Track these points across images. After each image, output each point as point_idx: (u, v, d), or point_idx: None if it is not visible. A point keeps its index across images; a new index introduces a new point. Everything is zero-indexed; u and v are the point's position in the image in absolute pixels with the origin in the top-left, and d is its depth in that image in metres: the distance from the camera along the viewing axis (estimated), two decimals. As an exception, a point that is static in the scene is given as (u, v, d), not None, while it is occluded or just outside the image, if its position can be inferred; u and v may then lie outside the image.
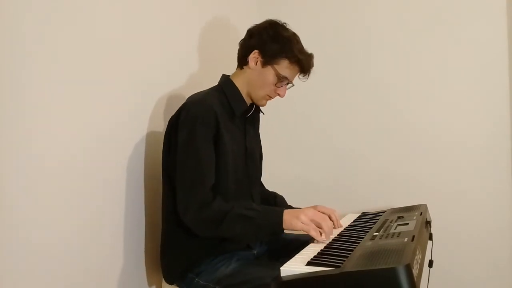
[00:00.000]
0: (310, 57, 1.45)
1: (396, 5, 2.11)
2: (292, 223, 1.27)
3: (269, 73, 1.42)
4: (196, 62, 1.80)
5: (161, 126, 1.58)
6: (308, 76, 1.47)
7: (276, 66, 1.41)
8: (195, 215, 1.28)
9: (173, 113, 1.42)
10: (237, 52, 1.49)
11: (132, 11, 1.43)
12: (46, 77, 1.10)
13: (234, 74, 1.51)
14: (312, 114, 2.23)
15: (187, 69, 1.75)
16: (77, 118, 1.20)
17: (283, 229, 1.29)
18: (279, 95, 1.46)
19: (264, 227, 1.29)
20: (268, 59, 1.41)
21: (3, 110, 0.99)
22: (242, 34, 1.49)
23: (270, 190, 1.72)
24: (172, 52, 1.65)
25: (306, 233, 1.28)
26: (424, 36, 2.06)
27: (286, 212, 1.29)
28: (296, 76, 1.48)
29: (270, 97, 1.48)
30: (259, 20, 1.49)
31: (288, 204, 1.68)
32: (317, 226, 1.27)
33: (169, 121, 1.41)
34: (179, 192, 1.32)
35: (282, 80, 1.43)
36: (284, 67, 1.41)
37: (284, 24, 1.46)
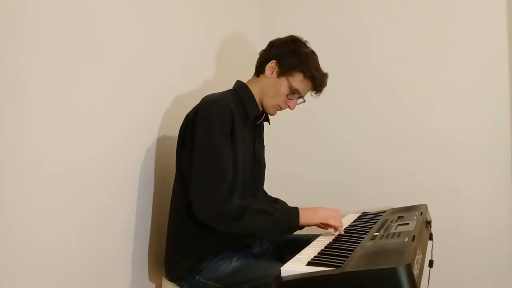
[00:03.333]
0: (324, 76, 1.48)
1: (397, 6, 2.11)
2: (312, 217, 1.36)
3: (283, 84, 1.45)
4: (205, 65, 1.82)
5: (172, 129, 1.58)
6: (319, 94, 1.50)
7: (290, 78, 1.44)
8: (215, 210, 1.29)
9: (183, 116, 1.43)
10: (256, 60, 1.53)
11: (145, 15, 1.45)
12: (55, 78, 1.10)
13: (250, 81, 1.53)
14: (313, 115, 2.23)
15: (198, 72, 1.78)
16: (87, 120, 1.21)
17: (299, 225, 1.35)
18: (289, 107, 1.49)
19: (282, 223, 1.34)
20: (283, 70, 1.44)
21: (11, 112, 0.99)
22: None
23: (272, 195, 1.72)
24: (183, 56, 1.67)
25: (322, 227, 1.39)
26: (424, 37, 2.06)
27: (302, 209, 1.36)
28: (308, 93, 1.51)
29: (281, 108, 1.50)
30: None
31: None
32: (327, 224, 1.37)
33: (185, 119, 1.42)
34: (196, 188, 1.32)
35: (294, 93, 1.46)
36: (298, 80, 1.44)
37: (305, 42, 1.49)
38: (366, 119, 2.16)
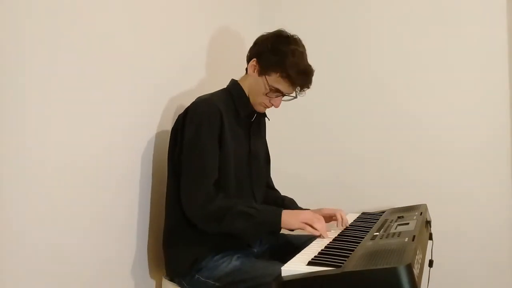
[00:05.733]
0: (305, 74, 1.41)
1: (397, 6, 2.11)
2: (291, 222, 1.33)
3: (262, 83, 1.43)
4: (204, 63, 1.83)
5: (170, 126, 1.59)
6: (304, 92, 1.45)
7: (267, 77, 1.42)
8: (199, 209, 1.31)
9: (181, 112, 1.44)
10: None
11: (144, 13, 1.45)
12: (54, 76, 1.10)
13: (241, 78, 1.54)
14: (313, 115, 2.23)
15: (196, 69, 1.78)
16: (85, 118, 1.21)
17: (280, 228, 1.34)
18: (273, 105, 1.47)
19: (263, 225, 1.34)
20: (262, 69, 1.43)
21: (10, 111, 0.99)
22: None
23: (281, 194, 1.73)
24: (181, 53, 1.67)
25: (304, 232, 1.34)
26: (424, 37, 2.06)
27: (285, 213, 1.34)
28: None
29: (266, 105, 1.49)
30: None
31: (299, 206, 1.68)
32: (311, 226, 1.34)
33: (177, 119, 1.44)
34: (183, 186, 1.35)
35: (273, 91, 1.43)
36: (273, 79, 1.41)
37: (292, 36, 1.44)
38: (366, 119, 2.16)
